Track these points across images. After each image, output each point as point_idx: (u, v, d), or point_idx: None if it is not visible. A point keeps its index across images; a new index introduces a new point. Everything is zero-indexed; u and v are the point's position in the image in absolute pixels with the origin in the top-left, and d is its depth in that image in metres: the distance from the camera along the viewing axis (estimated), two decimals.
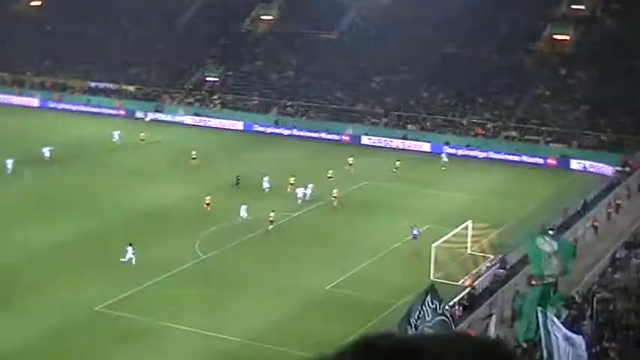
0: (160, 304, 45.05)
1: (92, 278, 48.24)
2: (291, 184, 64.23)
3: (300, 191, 62.45)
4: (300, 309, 45.11)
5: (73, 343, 40.63)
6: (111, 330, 42.02)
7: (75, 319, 42.99)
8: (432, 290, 28.48)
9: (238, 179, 66.80)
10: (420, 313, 26.61)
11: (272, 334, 41.72)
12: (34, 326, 42.09)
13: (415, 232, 53.78)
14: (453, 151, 79.30)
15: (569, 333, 28.73)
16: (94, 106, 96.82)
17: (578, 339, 28.22)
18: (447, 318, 29.62)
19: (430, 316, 27.22)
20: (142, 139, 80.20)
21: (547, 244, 39.44)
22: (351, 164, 71.58)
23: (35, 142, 76.16)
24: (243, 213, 57.97)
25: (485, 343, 0.99)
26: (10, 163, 68.75)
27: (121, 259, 49.86)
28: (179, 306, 44.91)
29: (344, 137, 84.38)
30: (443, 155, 75.71)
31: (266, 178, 65.20)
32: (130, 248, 50.20)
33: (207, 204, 59.47)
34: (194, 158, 72.82)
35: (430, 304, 27.65)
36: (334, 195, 62.09)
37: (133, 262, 49.92)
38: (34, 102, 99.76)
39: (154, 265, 49.70)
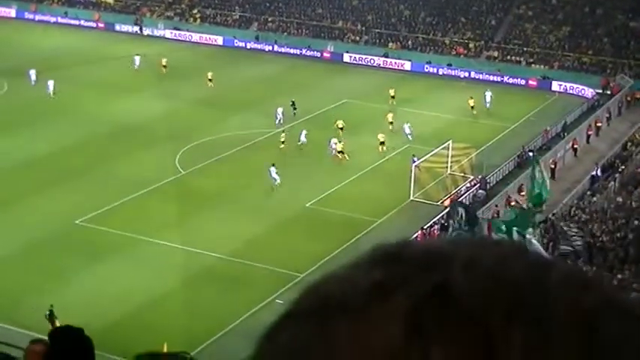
0: (140, 218, 45.06)
1: (72, 192, 48.14)
2: (340, 128, 58.72)
3: (279, 110, 61.64)
4: (280, 226, 45.22)
5: (54, 255, 40.70)
6: (91, 244, 42.09)
7: (56, 233, 43.02)
8: None
9: (294, 105, 63.19)
10: None
11: (251, 251, 41.88)
12: (16, 238, 42.17)
13: (416, 160, 52.43)
14: (435, 70, 78.98)
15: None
16: (72, 18, 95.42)
17: None
18: None
19: None
20: (165, 66, 75.04)
21: (539, 174, 39.71)
22: (393, 96, 67.56)
23: (15, 56, 75.57)
24: (303, 138, 56.19)
25: (513, 246, 0.94)
26: None
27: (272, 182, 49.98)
28: (158, 221, 44.94)
29: (325, 54, 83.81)
30: (487, 95, 67.33)
31: (280, 110, 61.73)
32: (273, 168, 49.97)
33: (283, 142, 55.94)
34: (210, 80, 70.25)
35: None
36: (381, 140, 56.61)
37: (278, 182, 49.78)
38: (11, 12, 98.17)
39: (133, 180, 49.57)
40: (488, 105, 66.24)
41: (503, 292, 0.94)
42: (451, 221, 40.91)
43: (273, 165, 50.32)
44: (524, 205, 42.91)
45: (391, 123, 59.77)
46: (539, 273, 0.97)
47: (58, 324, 33.69)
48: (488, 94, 66.88)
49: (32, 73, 68.93)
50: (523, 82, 75.90)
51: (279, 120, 60.96)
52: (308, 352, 0.95)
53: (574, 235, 40.28)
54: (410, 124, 58.82)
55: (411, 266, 0.97)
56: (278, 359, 0.98)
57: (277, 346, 1.00)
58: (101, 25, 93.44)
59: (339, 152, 54.77)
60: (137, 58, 75.47)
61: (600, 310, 0.96)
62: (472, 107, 65.37)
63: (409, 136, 58.09)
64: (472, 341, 0.90)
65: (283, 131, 56.65)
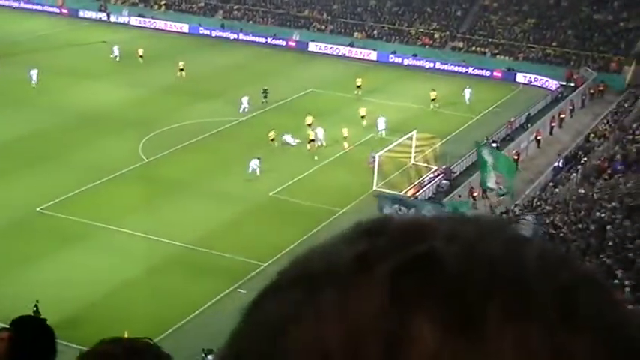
0: (103, 206, 44.80)
1: (34, 179, 47.77)
2: (308, 124, 57.09)
3: (244, 100, 61.32)
4: (244, 215, 45.13)
5: (16, 244, 40.39)
6: (54, 231, 41.82)
7: (17, 221, 42.68)
8: None
9: (266, 93, 62.89)
10: None
11: (214, 239, 41.78)
12: None
13: (373, 155, 52.43)
14: (400, 60, 79.09)
15: None
16: (35, 4, 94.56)
17: None
18: None
19: None
20: (141, 56, 73.40)
21: (489, 157, 40.03)
22: (359, 86, 67.52)
23: None
24: (289, 140, 54.91)
25: (493, 222, 0.97)
26: None
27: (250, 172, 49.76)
28: (122, 209, 44.71)
29: (290, 43, 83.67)
30: (467, 92, 66.25)
31: (245, 98, 61.18)
32: (255, 161, 49.71)
33: (272, 140, 54.18)
34: (181, 69, 69.35)
35: None
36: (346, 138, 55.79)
37: (258, 173, 49.63)
38: None
39: (96, 167, 49.30)
40: (468, 101, 65.20)
41: (484, 264, 0.97)
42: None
43: (259, 158, 50.06)
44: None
45: (363, 117, 59.01)
46: (518, 248, 1.00)
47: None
48: (468, 91, 65.79)
49: (33, 73, 65.59)
50: (488, 73, 76.16)
51: (244, 108, 60.78)
52: (295, 319, 0.98)
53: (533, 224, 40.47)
54: (386, 118, 57.98)
55: (394, 238, 1.01)
56: (265, 327, 1.01)
57: (264, 313, 1.02)
58: (65, 10, 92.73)
59: (310, 140, 54.66)
60: (116, 49, 73.87)
61: (576, 285, 0.99)
62: (433, 99, 64.82)
63: (383, 132, 57.45)
64: (452, 310, 0.93)
65: (273, 129, 55.18)
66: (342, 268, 1.00)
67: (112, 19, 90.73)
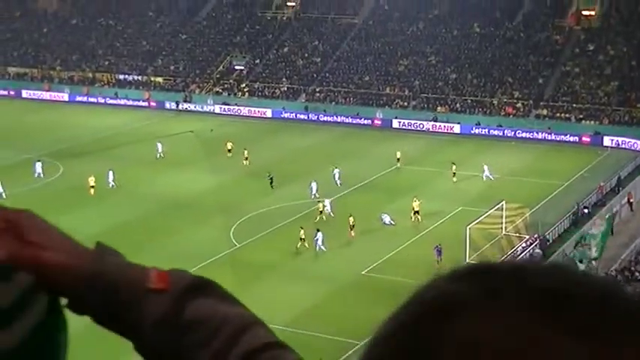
0: None
1: None
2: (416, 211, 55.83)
3: (336, 172, 62.33)
4: (338, 294, 45.06)
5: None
6: None
7: None
8: None
9: (271, 178, 62.94)
10: None
11: (309, 320, 41.72)
12: None
13: (387, 219, 52.87)
14: (485, 131, 78.93)
15: None
16: (123, 99, 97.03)
17: None
18: None
19: None
20: (230, 150, 71.73)
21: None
22: (399, 159, 68.20)
23: (68, 138, 76.79)
24: (386, 219, 55.00)
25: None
26: (39, 166, 66.29)
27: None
28: None
29: (375, 121, 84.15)
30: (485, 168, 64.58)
31: (337, 171, 62.81)
32: (320, 234, 51.04)
33: (302, 239, 51.63)
34: (230, 150, 70.70)
35: None
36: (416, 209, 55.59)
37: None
38: (64, 97, 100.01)
39: (189, 254, 49.73)
40: (489, 176, 63.61)
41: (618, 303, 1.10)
42: None
43: (318, 230, 51.08)
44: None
45: (417, 212, 55.90)
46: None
47: None
48: (486, 168, 64.04)
49: (38, 165, 66.48)
50: (574, 138, 75.49)
51: (338, 183, 61.73)
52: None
53: None
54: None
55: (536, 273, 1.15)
56: (431, 310, 1.11)
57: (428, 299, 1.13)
58: (153, 103, 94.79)
59: (415, 212, 55.09)
60: (159, 145, 72.41)
61: None
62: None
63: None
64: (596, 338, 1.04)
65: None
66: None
67: (198, 108, 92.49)
